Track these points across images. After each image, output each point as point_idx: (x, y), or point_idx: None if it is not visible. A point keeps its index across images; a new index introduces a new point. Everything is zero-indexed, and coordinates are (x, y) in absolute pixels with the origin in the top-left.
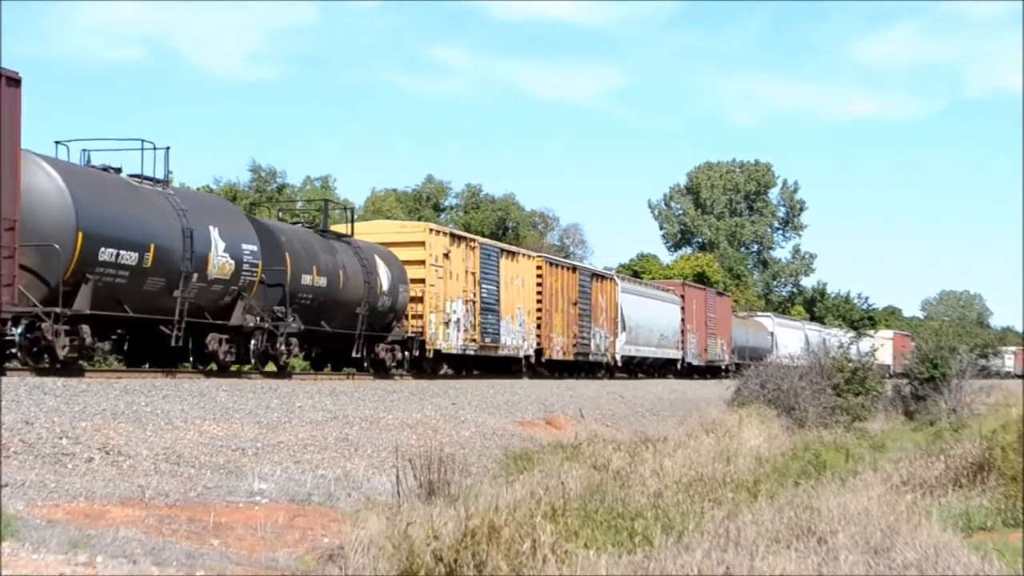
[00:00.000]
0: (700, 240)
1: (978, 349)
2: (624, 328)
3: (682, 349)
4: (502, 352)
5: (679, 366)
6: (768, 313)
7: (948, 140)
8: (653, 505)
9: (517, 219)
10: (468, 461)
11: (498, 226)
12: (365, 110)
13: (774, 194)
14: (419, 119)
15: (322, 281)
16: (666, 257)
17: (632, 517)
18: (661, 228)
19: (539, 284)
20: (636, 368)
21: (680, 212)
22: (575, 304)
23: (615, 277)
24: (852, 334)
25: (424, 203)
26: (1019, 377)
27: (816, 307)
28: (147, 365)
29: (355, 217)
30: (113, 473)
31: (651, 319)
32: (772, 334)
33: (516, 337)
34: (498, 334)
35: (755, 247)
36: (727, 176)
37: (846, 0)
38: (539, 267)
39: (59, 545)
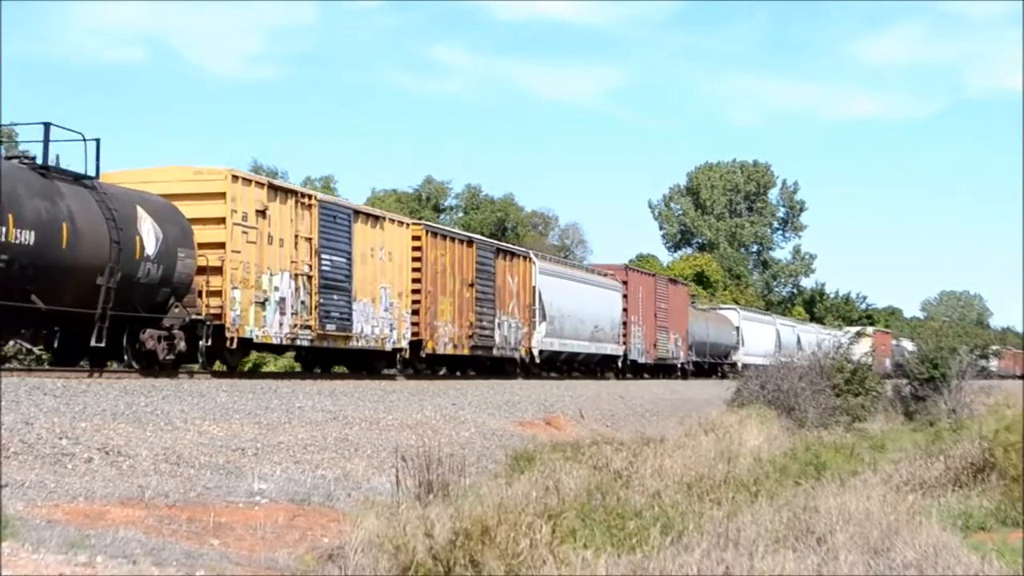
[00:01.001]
0: (700, 241)
1: (978, 350)
2: (544, 317)
3: (624, 344)
4: (357, 343)
5: (620, 364)
6: (732, 306)
7: (949, 140)
8: (653, 505)
9: (516, 219)
10: (468, 461)
11: (497, 227)
12: (365, 110)
13: (774, 195)
14: (419, 119)
15: (26, 236)
16: (666, 257)
17: (631, 517)
18: (661, 228)
19: (417, 259)
20: (563, 366)
21: (680, 213)
22: (471, 286)
23: (531, 255)
24: (831, 332)
25: (424, 203)
26: (1004, 377)
27: (816, 307)
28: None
29: None
30: (113, 473)
31: (582, 308)
32: (738, 329)
33: (379, 325)
34: (348, 320)
35: (755, 248)
36: (727, 177)
37: (846, 0)
38: (416, 237)
39: (59, 545)
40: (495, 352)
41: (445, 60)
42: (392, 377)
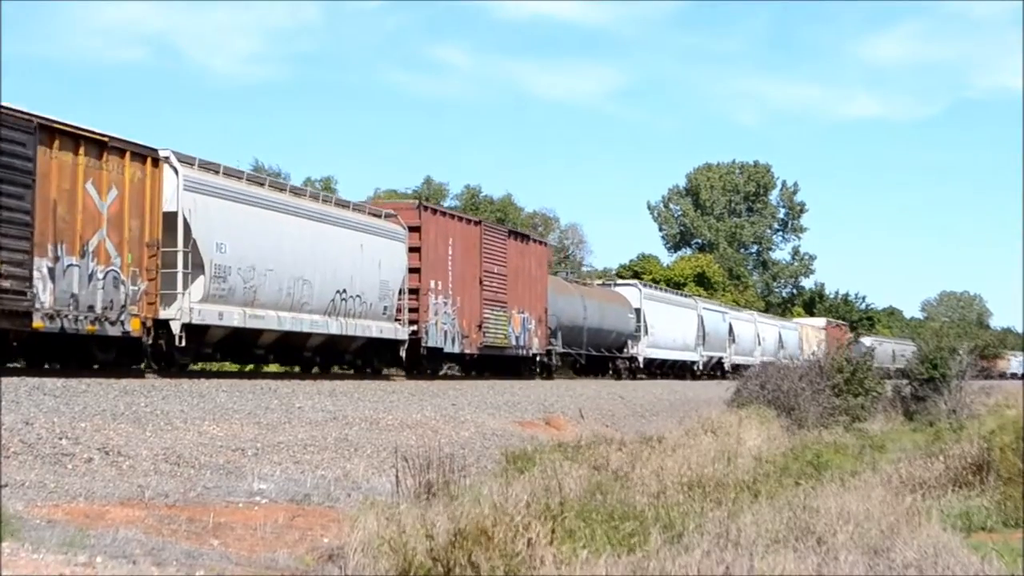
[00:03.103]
0: (700, 241)
1: (978, 350)
2: (213, 275)
3: (413, 323)
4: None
5: (403, 352)
6: (633, 281)
7: (949, 140)
8: (653, 505)
9: (515, 220)
10: (468, 461)
11: None
12: (366, 110)
13: (774, 195)
14: (420, 119)
15: None
16: (666, 258)
17: (631, 518)
18: (660, 229)
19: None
20: (268, 353)
21: (680, 213)
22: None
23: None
24: (771, 322)
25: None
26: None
27: (815, 308)
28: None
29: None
30: (113, 473)
31: (315, 265)
32: (638, 312)
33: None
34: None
35: (754, 248)
36: (726, 177)
37: (848, 0)
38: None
39: (59, 545)
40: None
41: (446, 60)
42: (387, 377)
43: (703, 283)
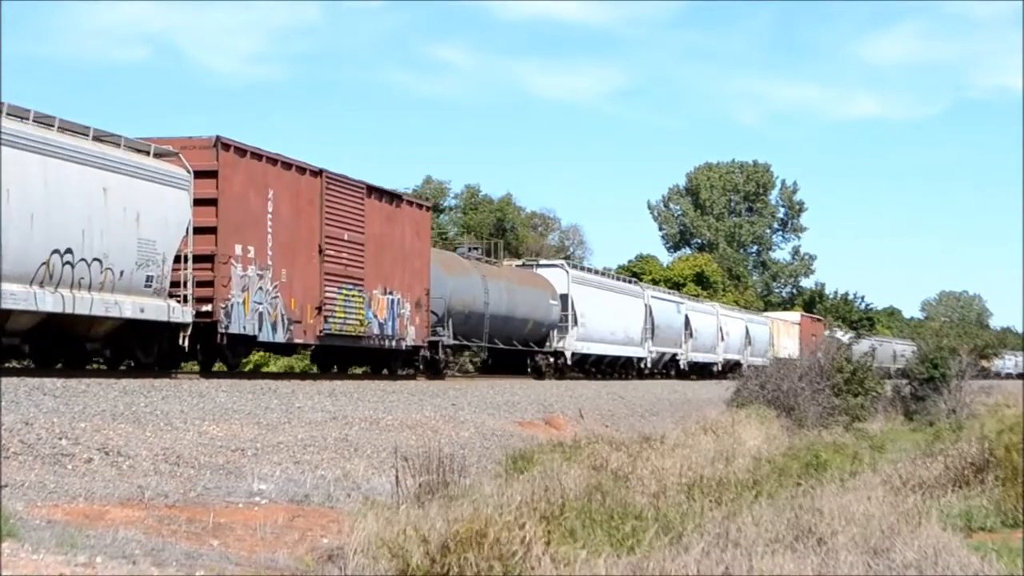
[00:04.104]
0: (699, 241)
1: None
2: None
3: (204, 301)
4: None
5: (184, 340)
6: (558, 262)
7: (950, 140)
8: (652, 505)
9: (514, 220)
10: (468, 461)
11: (496, 227)
12: (367, 110)
13: (773, 195)
14: (420, 119)
15: None
16: (666, 258)
17: (631, 518)
18: (660, 229)
19: None
20: None
21: (679, 213)
22: None
23: None
24: (736, 315)
25: None
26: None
27: (815, 308)
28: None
29: None
30: (112, 474)
31: (9, 211)
32: (565, 299)
33: None
34: None
35: (754, 248)
36: (726, 177)
37: (848, 0)
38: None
39: (59, 545)
40: None
41: (447, 60)
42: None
43: (702, 283)
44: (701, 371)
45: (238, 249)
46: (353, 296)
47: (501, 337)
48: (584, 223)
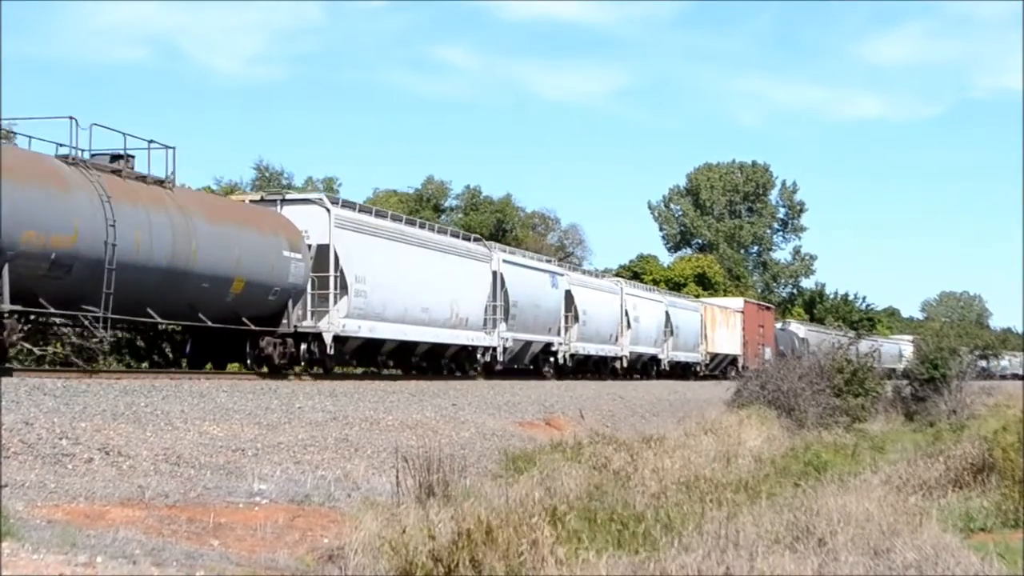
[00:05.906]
0: (700, 241)
1: (978, 350)
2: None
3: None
4: None
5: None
6: (315, 194)
7: (951, 141)
8: (653, 506)
9: (514, 220)
10: (468, 462)
11: (496, 227)
12: (369, 110)
13: (774, 195)
14: (423, 119)
15: None
16: (666, 258)
17: (632, 519)
18: (661, 229)
19: None
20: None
21: (680, 213)
22: None
23: None
24: (652, 297)
25: (424, 204)
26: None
27: (816, 308)
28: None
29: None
30: (113, 473)
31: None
32: (324, 251)
33: None
34: None
35: (755, 248)
36: (726, 177)
37: (851, 1)
38: None
39: (59, 545)
40: None
41: (449, 60)
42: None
43: (703, 283)
44: (596, 368)
45: None
46: None
47: (160, 306)
48: (584, 223)
